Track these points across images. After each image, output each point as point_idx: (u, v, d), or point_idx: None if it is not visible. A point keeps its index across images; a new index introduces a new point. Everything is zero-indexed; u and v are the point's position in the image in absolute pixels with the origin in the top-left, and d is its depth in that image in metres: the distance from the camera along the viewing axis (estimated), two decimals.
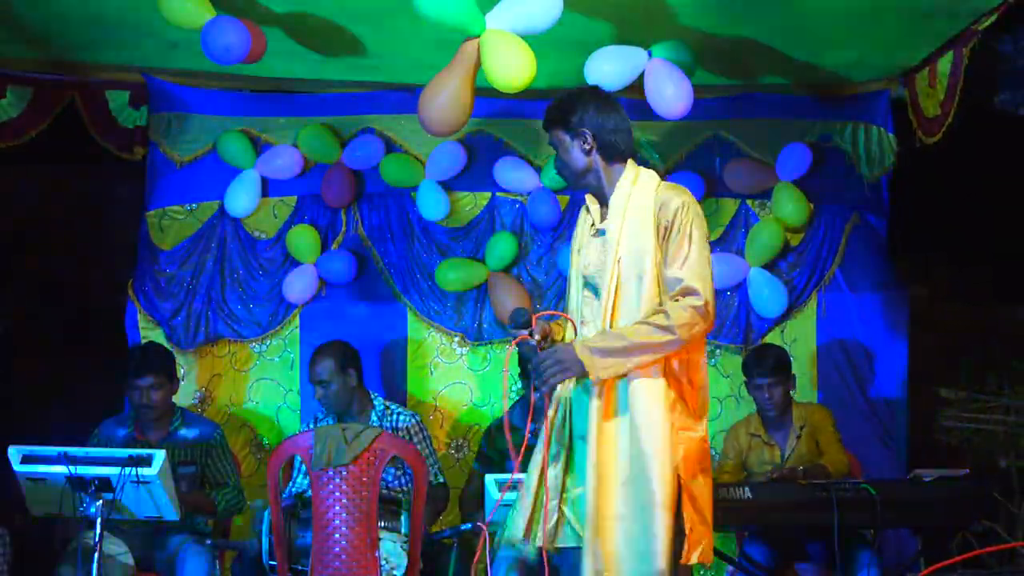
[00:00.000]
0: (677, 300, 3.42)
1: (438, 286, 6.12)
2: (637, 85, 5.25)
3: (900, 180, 6.19)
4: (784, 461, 5.26)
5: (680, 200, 3.51)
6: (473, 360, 6.13)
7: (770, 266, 6.11)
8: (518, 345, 3.54)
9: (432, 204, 6.11)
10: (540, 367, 3.42)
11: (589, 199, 3.71)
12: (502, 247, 6.09)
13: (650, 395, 3.45)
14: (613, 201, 3.60)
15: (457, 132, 5.36)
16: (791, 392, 5.30)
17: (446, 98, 4.75)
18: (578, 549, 3.49)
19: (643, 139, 6.16)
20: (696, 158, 6.20)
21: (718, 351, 6.12)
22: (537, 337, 3.51)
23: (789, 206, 6.06)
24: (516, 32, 4.63)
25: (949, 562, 4.58)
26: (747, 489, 4.66)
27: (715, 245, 6.16)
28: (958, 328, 6.90)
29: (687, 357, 3.50)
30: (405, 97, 5.97)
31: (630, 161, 3.64)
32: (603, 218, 3.64)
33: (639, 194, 3.57)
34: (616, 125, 3.61)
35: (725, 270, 6.07)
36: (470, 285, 6.13)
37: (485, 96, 5.17)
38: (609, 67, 5.07)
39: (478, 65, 4.71)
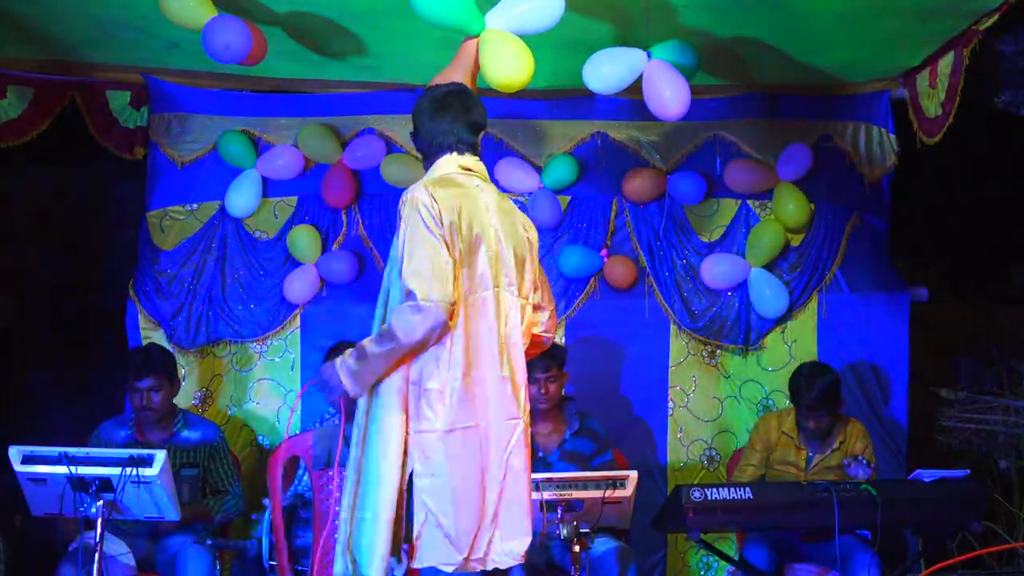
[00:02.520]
0: (400, 308, 3.52)
1: None
2: (637, 86, 5.25)
3: (901, 180, 6.19)
4: (809, 467, 5.25)
5: (403, 198, 3.63)
6: None
7: (771, 266, 6.11)
8: None
9: None
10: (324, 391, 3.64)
11: None
12: None
13: (386, 404, 3.56)
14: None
15: None
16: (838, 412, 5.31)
17: None
18: None
19: (643, 140, 6.16)
20: (697, 159, 6.20)
21: (718, 352, 6.12)
22: None
23: (790, 206, 6.06)
24: (516, 32, 4.62)
25: (949, 562, 4.59)
26: (747, 489, 4.66)
27: (716, 245, 6.16)
28: (958, 328, 6.91)
29: (423, 358, 3.56)
30: (406, 97, 5.97)
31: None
32: None
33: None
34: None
35: (726, 270, 6.07)
36: None
37: (486, 96, 5.14)
38: (608, 69, 5.07)
39: (479, 64, 4.70)
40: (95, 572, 4.23)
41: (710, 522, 4.61)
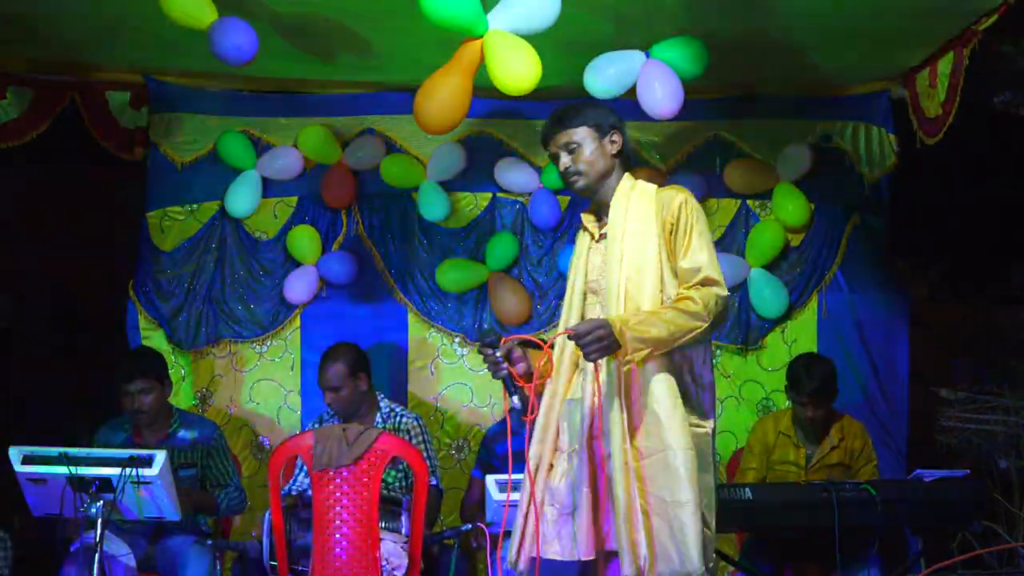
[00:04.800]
0: (697, 288, 3.44)
1: (439, 287, 6.12)
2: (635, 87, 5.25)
3: (900, 180, 6.19)
4: (809, 465, 5.26)
5: (682, 196, 3.55)
6: (474, 361, 6.12)
7: (771, 266, 6.11)
8: (495, 375, 3.50)
9: (433, 205, 6.11)
10: (580, 343, 3.31)
11: (586, 218, 3.71)
12: (502, 248, 6.10)
13: (667, 389, 3.44)
14: (614, 205, 3.60)
15: (454, 131, 5.36)
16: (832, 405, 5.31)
17: (443, 96, 4.75)
18: (569, 563, 3.48)
19: (643, 140, 6.16)
20: (697, 159, 6.21)
21: (718, 351, 6.12)
22: (500, 355, 3.47)
23: (790, 206, 6.06)
24: (517, 31, 4.62)
25: (949, 562, 4.58)
26: (747, 490, 4.66)
27: (716, 245, 6.11)
28: (958, 328, 6.90)
29: (691, 353, 3.50)
30: (406, 98, 5.93)
31: (628, 172, 3.68)
32: (602, 226, 3.65)
33: (638, 199, 3.59)
34: (628, 136, 3.68)
35: (726, 270, 6.02)
36: (471, 286, 6.13)
37: (485, 96, 5.17)
38: (608, 72, 5.08)
39: (477, 65, 4.71)
40: (96, 572, 4.23)
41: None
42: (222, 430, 5.37)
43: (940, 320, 6.72)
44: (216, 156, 6.15)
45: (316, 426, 5.17)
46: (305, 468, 4.81)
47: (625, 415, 3.42)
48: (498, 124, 6.15)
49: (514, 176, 6.15)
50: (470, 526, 4.75)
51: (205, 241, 6.13)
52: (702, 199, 6.15)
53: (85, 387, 6.31)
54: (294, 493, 5.10)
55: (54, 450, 4.27)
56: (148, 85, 6.05)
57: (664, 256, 3.52)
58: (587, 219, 3.72)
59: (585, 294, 3.65)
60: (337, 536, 4.45)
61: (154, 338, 5.98)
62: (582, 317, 3.61)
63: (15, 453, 4.29)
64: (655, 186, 3.63)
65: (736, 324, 6.11)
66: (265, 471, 5.35)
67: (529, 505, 3.54)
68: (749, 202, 6.20)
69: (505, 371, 3.47)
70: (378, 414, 5.35)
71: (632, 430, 3.42)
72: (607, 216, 3.63)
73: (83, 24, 5.34)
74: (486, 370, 3.55)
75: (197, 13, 4.74)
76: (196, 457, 5.14)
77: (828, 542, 4.58)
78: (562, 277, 6.07)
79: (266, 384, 6.15)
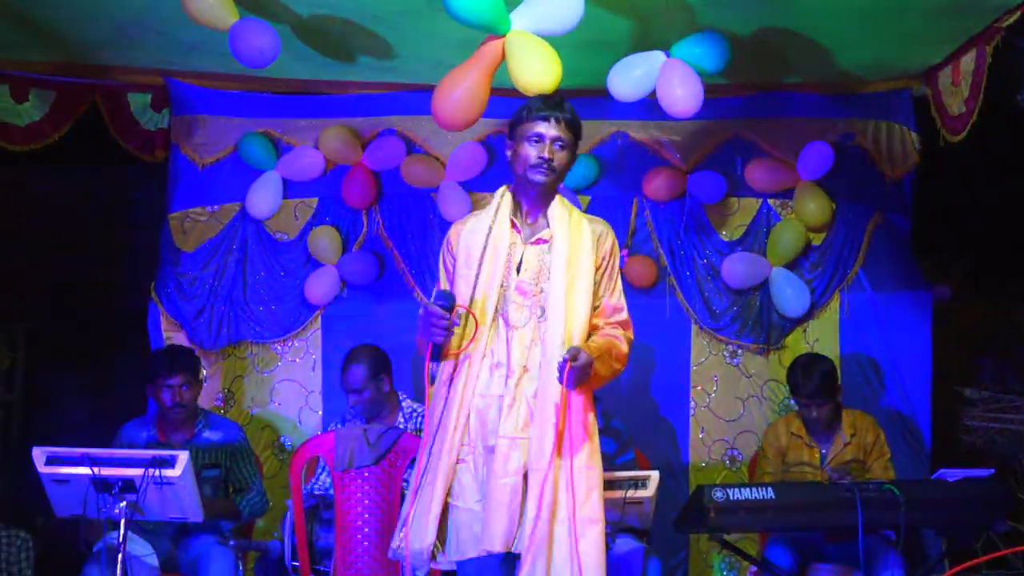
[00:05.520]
0: (624, 329, 3.71)
1: None
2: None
3: (923, 178, 6.15)
4: (824, 464, 5.23)
5: (612, 236, 3.76)
6: None
7: (792, 266, 6.09)
8: (435, 337, 3.54)
9: (453, 204, 6.10)
10: (577, 370, 3.46)
11: (514, 215, 3.73)
12: None
13: (591, 409, 3.66)
14: (557, 218, 3.68)
15: (474, 131, 5.35)
16: (839, 402, 5.28)
17: (461, 92, 4.74)
18: (476, 560, 3.55)
19: (663, 139, 6.14)
20: (717, 158, 6.18)
21: (740, 351, 6.10)
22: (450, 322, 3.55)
23: (811, 205, 6.03)
24: (539, 32, 4.62)
25: (974, 562, 4.56)
26: (770, 489, 4.63)
27: (736, 245, 6.14)
28: (982, 328, 6.86)
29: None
30: (426, 98, 5.88)
31: None
32: (535, 229, 3.71)
33: (576, 220, 3.70)
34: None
35: (747, 270, 6.05)
36: None
37: (505, 96, 5.16)
38: (638, 73, 5.07)
39: (498, 63, 4.70)
40: (118, 573, 4.24)
41: (732, 522, 4.58)
42: (245, 432, 5.38)
43: (963, 319, 6.67)
44: (237, 157, 6.16)
45: (337, 427, 5.18)
46: (327, 469, 4.82)
47: (555, 428, 3.51)
48: None
49: None
50: None
51: (226, 242, 6.14)
52: (723, 198, 6.14)
53: (108, 388, 6.34)
54: (316, 494, 5.10)
55: (77, 451, 4.29)
56: (168, 87, 6.07)
57: (593, 284, 3.67)
58: (516, 218, 3.73)
59: (504, 288, 3.65)
60: (359, 536, 4.46)
61: (176, 339, 5.98)
62: (497, 309, 3.63)
63: (39, 454, 4.31)
64: (579, 211, 3.76)
65: (758, 324, 6.09)
66: (287, 472, 5.36)
67: (421, 492, 3.59)
68: (770, 201, 6.17)
69: (445, 337, 3.53)
70: (400, 414, 5.35)
71: (559, 443, 3.51)
72: (540, 222, 3.71)
73: (104, 26, 5.35)
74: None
75: (220, 14, 4.75)
76: (220, 458, 5.15)
77: (851, 542, 4.56)
78: None
79: (288, 385, 6.16)
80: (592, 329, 3.65)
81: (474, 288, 3.62)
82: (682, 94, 5.04)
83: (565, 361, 3.44)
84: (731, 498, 4.52)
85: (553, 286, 3.59)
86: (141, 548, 4.75)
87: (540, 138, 3.67)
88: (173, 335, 6.03)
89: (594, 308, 3.67)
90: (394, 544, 3.64)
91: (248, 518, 5.22)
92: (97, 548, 4.64)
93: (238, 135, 6.14)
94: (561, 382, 3.47)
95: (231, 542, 4.93)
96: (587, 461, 3.58)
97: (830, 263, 6.11)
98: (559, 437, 3.51)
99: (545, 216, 3.70)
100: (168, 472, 4.27)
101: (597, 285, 3.67)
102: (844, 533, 4.81)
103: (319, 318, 6.15)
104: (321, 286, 6.09)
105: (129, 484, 4.27)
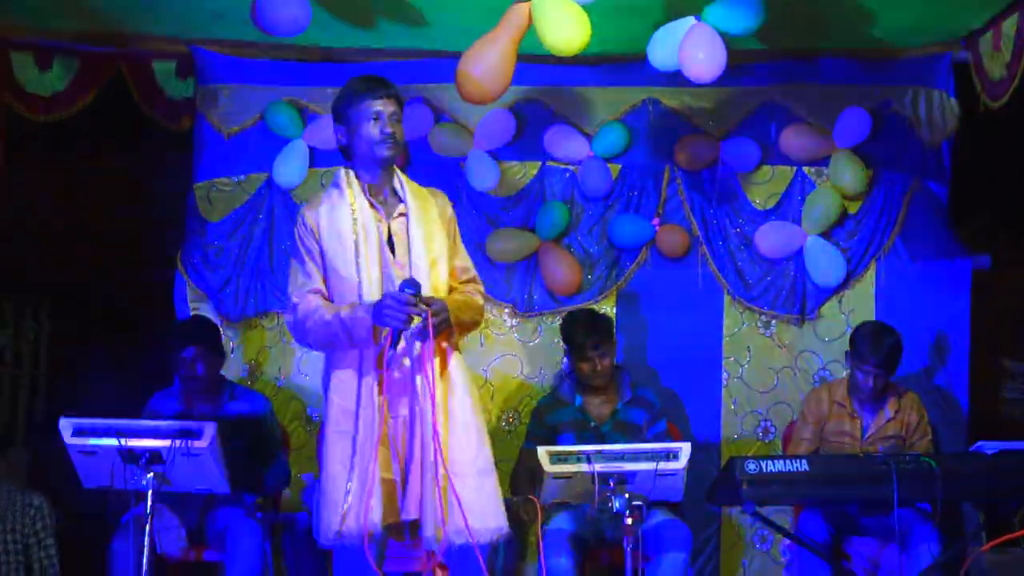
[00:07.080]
0: (475, 284, 4.10)
1: (488, 257, 6.05)
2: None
3: (962, 145, 6.05)
4: (865, 436, 5.17)
5: (449, 201, 4.15)
6: (523, 332, 6.07)
7: (827, 234, 6.00)
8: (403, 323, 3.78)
9: (481, 174, 6.04)
10: (436, 318, 3.76)
11: (372, 194, 3.96)
12: (553, 217, 6.02)
13: (465, 367, 4.04)
14: (409, 191, 3.99)
15: (503, 99, 5.28)
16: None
17: (489, 60, 4.68)
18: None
19: (695, 105, 6.05)
20: (750, 125, 6.08)
21: (773, 322, 6.03)
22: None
23: (847, 173, 5.93)
24: None
25: (1012, 536, 4.49)
26: (803, 461, 4.57)
27: (771, 213, 6.06)
28: (1022, 298, 6.76)
29: None
30: (453, 65, 5.85)
31: None
32: (389, 203, 3.98)
33: (418, 190, 4.05)
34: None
35: (781, 239, 5.97)
36: (520, 256, 6.06)
37: (535, 62, 5.11)
38: (675, 40, 4.99)
39: (525, 28, 4.63)
40: (146, 543, 4.22)
41: (765, 495, 4.51)
42: (272, 404, 5.36)
43: (1003, 289, 6.57)
44: (263, 126, 6.11)
45: None
46: None
47: (440, 389, 3.83)
48: (548, 91, 6.06)
49: (564, 144, 6.07)
50: (521, 499, 4.71)
51: (253, 212, 6.10)
52: (757, 166, 6.04)
53: (135, 359, 6.33)
54: None
55: (104, 422, 4.27)
56: (194, 55, 6.02)
57: (448, 251, 4.01)
58: (370, 196, 3.96)
59: (383, 265, 3.89)
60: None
61: (202, 310, 5.96)
62: (382, 286, 3.88)
63: (66, 425, 4.29)
64: (414, 182, 4.06)
65: (792, 293, 6.00)
66: (314, 443, 5.33)
67: (356, 471, 3.79)
68: (805, 169, 6.07)
69: (406, 323, 3.74)
70: None
71: (446, 403, 3.86)
72: (392, 198, 3.99)
73: None
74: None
75: None
76: (247, 430, 5.12)
77: (886, 515, 4.50)
78: (615, 247, 6.01)
79: (316, 356, 6.09)
80: (449, 290, 3.98)
81: (357, 269, 3.86)
82: (704, 58, 4.95)
83: (426, 315, 3.73)
84: (764, 470, 4.48)
85: (419, 256, 3.89)
86: (168, 520, 4.75)
87: (379, 115, 3.90)
88: (199, 306, 6.01)
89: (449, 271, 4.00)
90: (335, 528, 3.79)
91: (271, 490, 5.20)
92: (124, 520, 4.64)
93: (263, 103, 6.08)
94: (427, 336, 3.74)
95: (259, 514, 4.92)
96: (462, 415, 3.92)
97: (866, 232, 6.02)
98: (432, 387, 3.78)
99: (393, 191, 3.99)
100: (195, 443, 4.25)
101: (450, 249, 4.01)
102: (879, 506, 4.75)
103: None
104: None
105: (156, 455, 4.25)
